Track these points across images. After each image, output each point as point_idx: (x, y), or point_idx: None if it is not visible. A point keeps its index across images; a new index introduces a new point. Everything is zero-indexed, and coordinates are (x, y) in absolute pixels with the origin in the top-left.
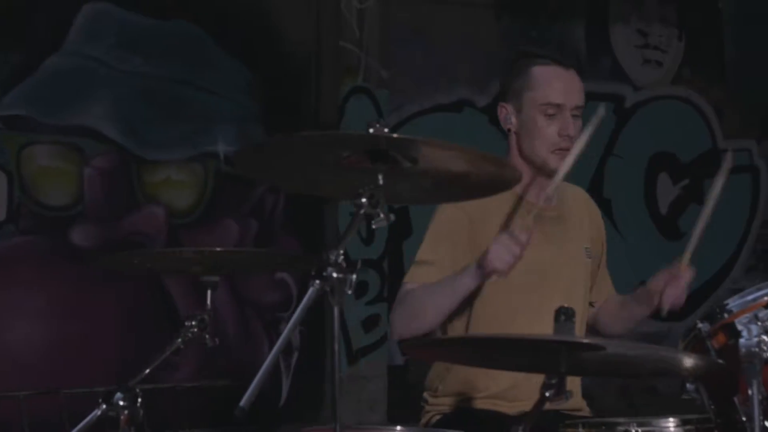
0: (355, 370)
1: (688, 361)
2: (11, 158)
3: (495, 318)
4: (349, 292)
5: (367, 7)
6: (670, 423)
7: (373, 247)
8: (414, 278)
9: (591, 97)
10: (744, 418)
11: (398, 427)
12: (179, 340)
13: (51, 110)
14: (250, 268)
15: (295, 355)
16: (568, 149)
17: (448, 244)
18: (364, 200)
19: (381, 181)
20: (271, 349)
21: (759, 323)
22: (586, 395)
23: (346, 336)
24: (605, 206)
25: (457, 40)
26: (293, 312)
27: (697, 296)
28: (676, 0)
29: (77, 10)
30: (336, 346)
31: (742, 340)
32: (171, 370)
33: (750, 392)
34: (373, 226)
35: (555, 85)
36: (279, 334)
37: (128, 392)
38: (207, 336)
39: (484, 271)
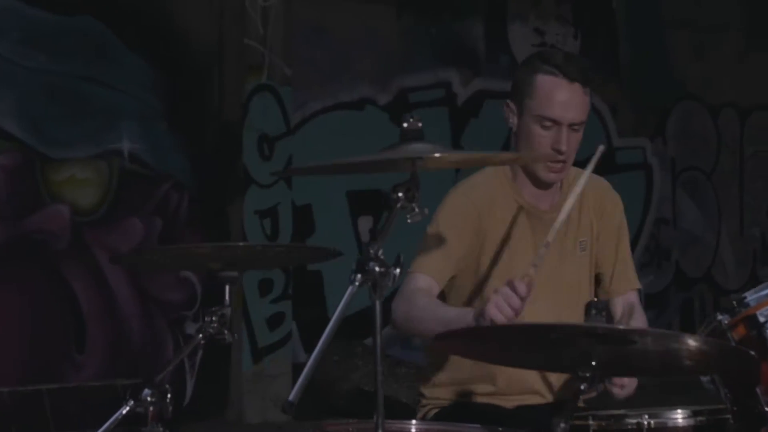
0: (260, 368)
1: (723, 349)
2: None
3: None
4: (391, 285)
5: (271, 5)
6: (679, 414)
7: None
8: (421, 268)
9: (489, 95)
10: (766, 408)
11: (413, 421)
12: (200, 335)
13: None
14: (275, 262)
15: (200, 354)
16: (557, 163)
17: (454, 234)
18: (400, 194)
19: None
20: (175, 347)
21: None
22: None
23: (251, 334)
24: None
25: (359, 38)
26: (197, 310)
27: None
28: None
29: None
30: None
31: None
32: (76, 369)
33: None
34: (409, 221)
35: (556, 98)
36: (184, 333)
37: (156, 388)
38: (226, 331)
39: (481, 322)
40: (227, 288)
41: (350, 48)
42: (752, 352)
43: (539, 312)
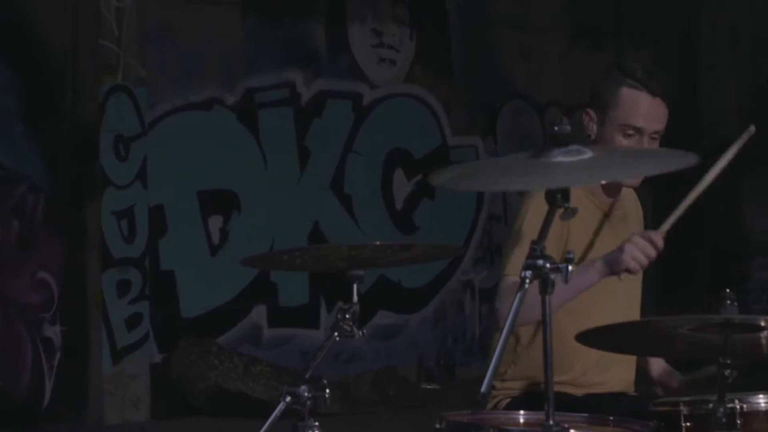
0: (119, 368)
1: None
2: None
3: (565, 315)
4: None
5: (125, 6)
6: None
7: (135, 245)
8: (515, 270)
9: (330, 95)
10: None
11: (521, 412)
12: (335, 333)
13: None
14: (395, 261)
15: (58, 355)
16: None
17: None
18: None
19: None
20: (34, 349)
21: None
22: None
23: (110, 334)
24: (346, 202)
25: (207, 39)
26: (55, 312)
27: (427, 290)
28: (408, 0)
29: None
30: None
31: None
32: None
33: None
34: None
35: (640, 110)
36: (42, 336)
37: (314, 383)
38: (356, 329)
39: (614, 268)
40: (355, 286)
41: (198, 48)
42: None
43: (620, 309)
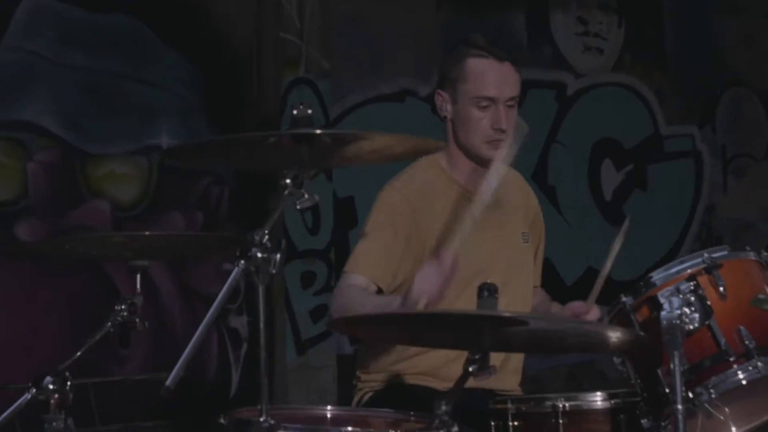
0: (304, 360)
1: (613, 335)
2: None
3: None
4: (273, 271)
5: None
6: (598, 397)
7: (320, 237)
8: (356, 269)
9: (534, 85)
10: (667, 390)
11: (328, 407)
12: (108, 324)
13: None
14: (184, 253)
15: (245, 346)
16: (500, 140)
17: (390, 232)
18: (288, 181)
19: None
20: (219, 340)
21: (681, 296)
22: (534, 379)
23: (295, 327)
24: (550, 193)
25: (398, 30)
26: (241, 304)
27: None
28: None
29: (16, 5)
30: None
31: (663, 313)
32: (120, 363)
33: (672, 365)
34: (298, 207)
35: (489, 78)
36: (227, 326)
37: (58, 376)
38: (137, 320)
39: (412, 300)
40: (138, 277)
41: (388, 39)
42: (643, 335)
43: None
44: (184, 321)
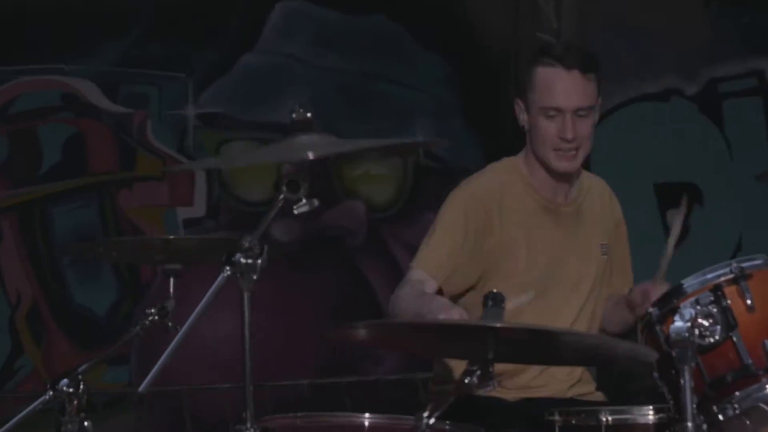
0: None
1: (621, 348)
2: (209, 155)
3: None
4: (255, 277)
5: None
6: (644, 411)
7: None
8: (418, 263)
9: None
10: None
11: (366, 414)
12: (137, 327)
13: (247, 107)
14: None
15: None
16: (567, 150)
17: (456, 231)
18: (284, 187)
19: None
20: None
21: (699, 307)
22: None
23: None
24: None
25: (661, 27)
26: None
27: None
28: None
29: (270, 9)
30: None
31: (672, 326)
32: (375, 363)
33: (682, 381)
34: (295, 212)
35: (555, 88)
36: None
37: (74, 379)
38: (169, 323)
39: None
40: (171, 281)
41: (650, 37)
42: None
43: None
44: None
